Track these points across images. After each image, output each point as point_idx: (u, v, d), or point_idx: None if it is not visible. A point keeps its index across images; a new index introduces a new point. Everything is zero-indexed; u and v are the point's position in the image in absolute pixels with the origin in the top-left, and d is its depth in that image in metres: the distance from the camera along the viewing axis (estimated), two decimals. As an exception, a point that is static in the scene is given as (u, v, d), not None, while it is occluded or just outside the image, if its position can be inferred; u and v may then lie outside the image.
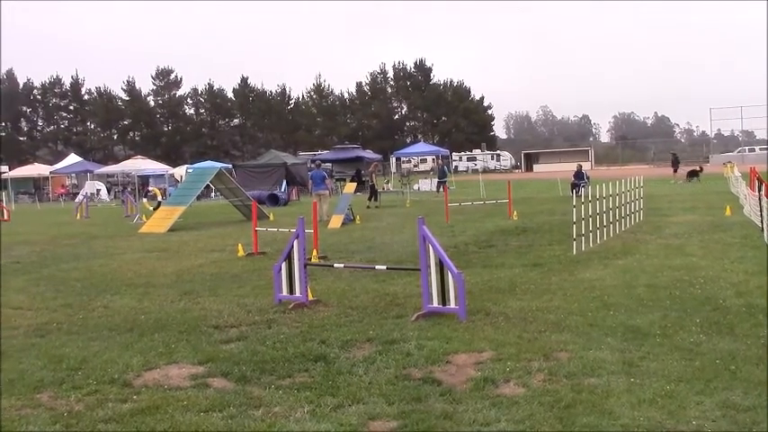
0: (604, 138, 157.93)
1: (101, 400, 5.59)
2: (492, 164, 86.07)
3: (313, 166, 28.64)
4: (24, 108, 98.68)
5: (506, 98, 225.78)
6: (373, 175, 32.46)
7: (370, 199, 30.23)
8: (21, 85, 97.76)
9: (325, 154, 56.30)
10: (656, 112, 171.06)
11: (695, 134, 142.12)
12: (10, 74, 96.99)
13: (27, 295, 10.55)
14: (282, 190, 37.24)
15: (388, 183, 42.85)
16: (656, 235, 14.94)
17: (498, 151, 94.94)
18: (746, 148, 73.02)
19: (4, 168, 59.80)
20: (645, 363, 6.00)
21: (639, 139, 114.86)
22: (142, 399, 5.59)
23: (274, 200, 32.95)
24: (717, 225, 16.27)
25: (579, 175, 31.85)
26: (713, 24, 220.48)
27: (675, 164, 42.72)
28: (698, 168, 40.10)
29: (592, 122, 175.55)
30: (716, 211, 19.75)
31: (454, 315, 7.81)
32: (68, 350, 7.13)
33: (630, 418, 4.81)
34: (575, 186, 28.73)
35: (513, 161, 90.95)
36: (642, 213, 18.25)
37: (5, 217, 29.53)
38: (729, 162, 38.38)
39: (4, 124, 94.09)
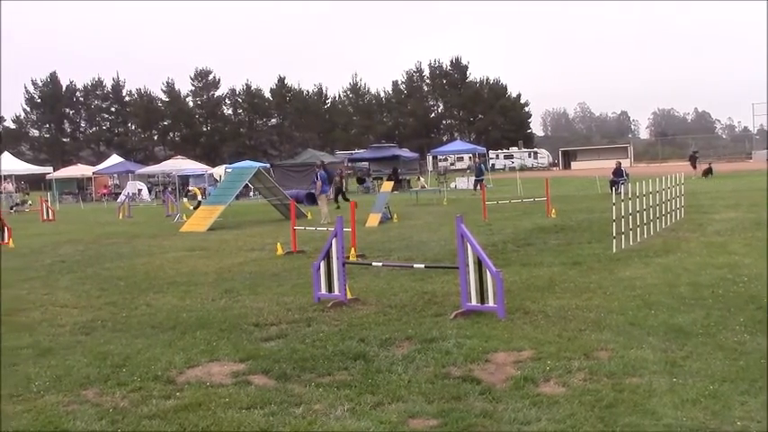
0: (643, 134, 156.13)
1: (145, 397, 5.70)
2: (529, 161, 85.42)
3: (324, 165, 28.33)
4: (68, 110, 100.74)
5: (543, 95, 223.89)
6: (341, 177, 32.73)
7: (336, 199, 30.74)
8: (64, 88, 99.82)
9: (361, 153, 56.46)
10: (696, 108, 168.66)
11: (737, 130, 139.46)
12: (53, 76, 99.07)
13: (72, 293, 10.78)
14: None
15: (419, 180, 42.77)
16: (697, 233, 14.69)
17: (535, 149, 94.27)
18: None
19: (49, 169, 61.05)
20: (688, 362, 5.92)
21: (679, 136, 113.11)
22: (185, 395, 5.68)
23: (312, 199, 33.10)
24: (760, 222, 15.92)
25: (618, 172, 31.47)
26: (755, 18, 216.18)
27: (694, 160, 46.64)
28: (708, 166, 44.73)
29: (630, 119, 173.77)
30: (759, 208, 19.32)
31: (493, 313, 7.79)
32: (113, 347, 7.28)
33: (673, 418, 4.75)
34: (614, 184, 28.40)
35: (551, 159, 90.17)
36: (683, 211, 17.97)
37: (51, 217, 30.17)
38: (772, 158, 37.79)
39: (48, 126, 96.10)
